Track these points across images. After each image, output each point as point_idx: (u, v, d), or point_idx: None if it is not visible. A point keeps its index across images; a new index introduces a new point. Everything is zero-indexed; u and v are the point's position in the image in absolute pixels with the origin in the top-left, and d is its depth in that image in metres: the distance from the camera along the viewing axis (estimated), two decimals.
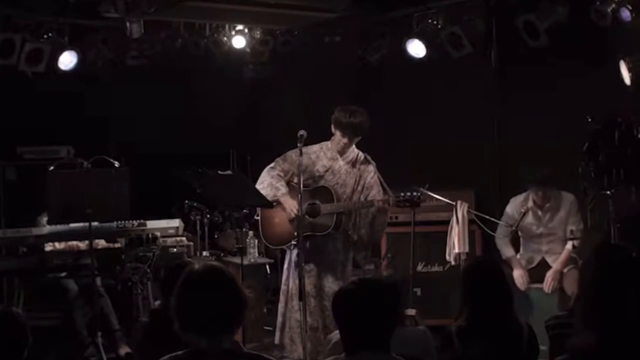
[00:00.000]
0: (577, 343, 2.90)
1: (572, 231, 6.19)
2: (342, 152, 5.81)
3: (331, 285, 5.71)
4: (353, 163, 5.84)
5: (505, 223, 6.35)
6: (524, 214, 6.20)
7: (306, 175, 5.74)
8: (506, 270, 6.02)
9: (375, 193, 5.77)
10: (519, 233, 6.46)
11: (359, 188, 5.80)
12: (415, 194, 5.69)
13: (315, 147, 5.87)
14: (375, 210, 5.70)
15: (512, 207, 6.40)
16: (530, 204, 6.32)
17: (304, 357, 5.49)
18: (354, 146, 5.84)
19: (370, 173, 5.81)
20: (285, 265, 5.98)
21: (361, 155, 5.86)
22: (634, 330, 2.85)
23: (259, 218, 5.99)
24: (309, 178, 5.77)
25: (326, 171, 5.82)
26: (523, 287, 6.22)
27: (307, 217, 5.66)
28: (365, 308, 2.95)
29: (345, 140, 5.76)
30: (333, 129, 5.80)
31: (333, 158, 5.84)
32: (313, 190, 5.74)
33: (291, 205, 5.68)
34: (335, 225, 5.65)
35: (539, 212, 6.32)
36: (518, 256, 6.43)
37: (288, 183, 5.81)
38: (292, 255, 5.86)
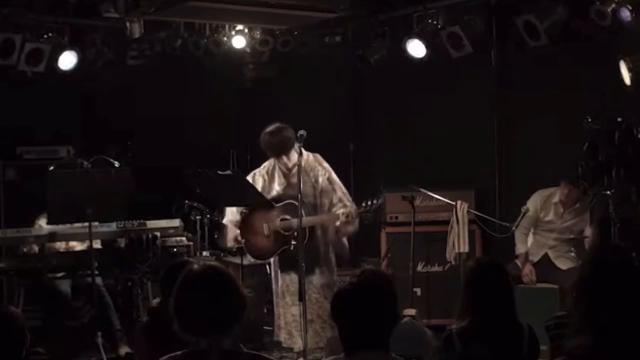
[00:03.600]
0: (574, 344, 2.90)
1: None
2: (281, 166, 5.85)
3: (317, 278, 5.79)
4: (306, 171, 5.77)
5: (520, 216, 6.29)
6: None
7: (267, 195, 5.85)
8: (509, 268, 6.06)
9: (339, 195, 5.77)
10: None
11: (317, 193, 5.81)
12: (375, 201, 5.66)
13: (262, 171, 5.94)
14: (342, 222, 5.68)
15: (535, 199, 6.39)
16: (555, 199, 6.32)
17: (304, 353, 5.52)
18: (294, 155, 5.76)
19: (323, 177, 5.81)
20: (272, 268, 6.08)
21: (311, 160, 5.81)
22: (631, 331, 2.85)
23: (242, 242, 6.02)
24: (271, 196, 5.86)
25: (285, 187, 5.84)
26: (530, 283, 6.24)
27: (282, 231, 5.72)
28: (363, 308, 2.94)
29: (273, 161, 5.84)
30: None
31: (282, 174, 5.87)
32: (283, 205, 5.77)
33: None
34: (308, 237, 5.66)
35: (561, 210, 6.32)
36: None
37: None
38: (272, 260, 5.99)
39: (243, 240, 5.90)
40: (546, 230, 6.41)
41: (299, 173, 5.45)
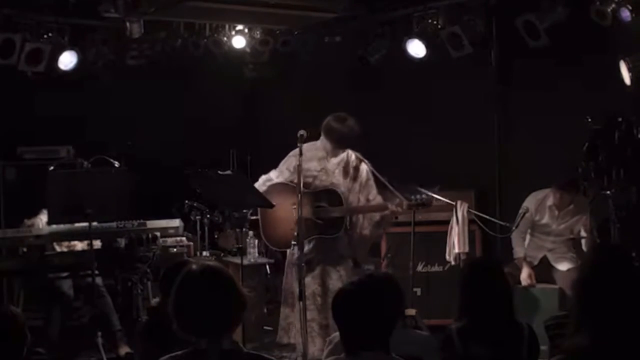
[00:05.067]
0: (572, 343, 2.90)
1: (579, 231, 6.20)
2: (334, 152, 5.76)
3: (335, 282, 5.68)
4: (345, 163, 5.78)
5: (520, 217, 6.27)
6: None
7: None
8: (509, 269, 6.05)
9: (375, 192, 5.74)
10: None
11: (356, 187, 5.74)
12: (424, 196, 5.65)
13: (306, 146, 5.80)
14: (386, 213, 5.65)
15: (530, 201, 6.38)
16: (549, 203, 6.30)
17: (303, 354, 5.47)
18: (348, 151, 5.77)
19: (364, 172, 5.76)
20: (286, 268, 5.92)
21: (351, 154, 5.80)
22: (628, 331, 2.85)
23: (258, 217, 5.95)
24: (304, 177, 5.69)
25: (319, 171, 5.77)
26: (530, 286, 6.24)
27: (314, 219, 5.62)
28: (364, 308, 2.95)
29: (329, 146, 5.74)
30: (322, 134, 5.77)
31: (323, 158, 5.79)
32: (318, 192, 5.69)
33: None
34: (344, 228, 5.65)
35: (556, 212, 6.30)
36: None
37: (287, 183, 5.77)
38: (291, 257, 5.81)
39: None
40: (543, 233, 6.39)
41: (299, 174, 5.42)
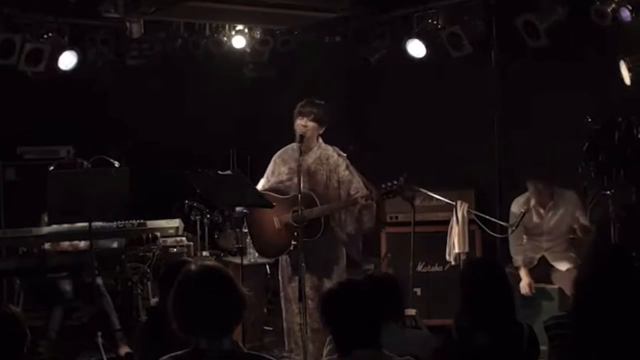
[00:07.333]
0: (571, 344, 2.91)
1: (579, 226, 6.14)
2: (306, 148, 5.65)
3: (327, 285, 5.58)
4: (320, 159, 5.69)
5: (509, 224, 6.29)
6: (524, 214, 6.19)
7: (274, 179, 5.76)
8: (509, 268, 6.05)
9: (357, 186, 5.64)
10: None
11: (334, 184, 5.65)
12: (395, 182, 5.55)
13: (280, 151, 5.83)
14: (360, 206, 5.58)
15: (516, 207, 6.38)
16: (532, 203, 6.29)
17: (303, 358, 5.46)
18: (320, 141, 5.72)
19: (342, 166, 5.67)
20: (280, 272, 5.91)
21: (329, 148, 5.73)
22: (628, 331, 2.86)
23: (246, 231, 5.96)
24: (278, 182, 5.76)
25: (290, 173, 5.72)
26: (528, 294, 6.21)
27: (294, 224, 5.56)
28: (350, 307, 2.96)
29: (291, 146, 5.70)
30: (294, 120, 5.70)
31: (298, 159, 5.75)
32: (292, 197, 5.61)
33: None
34: (323, 229, 5.57)
35: (542, 211, 6.30)
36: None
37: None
38: (282, 261, 5.82)
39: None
40: (536, 234, 6.37)
41: (298, 173, 5.43)
